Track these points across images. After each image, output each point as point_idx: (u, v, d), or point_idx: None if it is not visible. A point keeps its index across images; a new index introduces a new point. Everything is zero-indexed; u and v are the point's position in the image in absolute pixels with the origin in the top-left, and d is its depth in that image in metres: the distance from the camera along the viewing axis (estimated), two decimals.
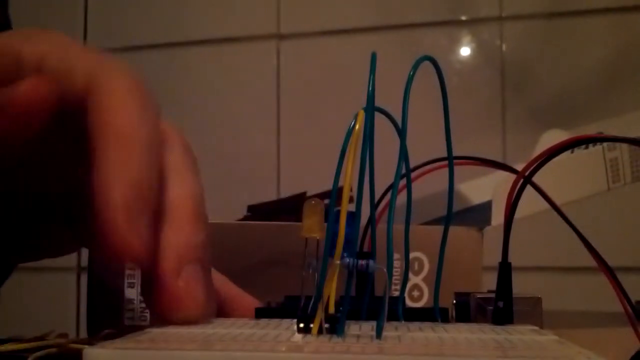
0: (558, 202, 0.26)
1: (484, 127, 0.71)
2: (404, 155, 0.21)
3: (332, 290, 0.20)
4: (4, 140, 0.20)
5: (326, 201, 0.20)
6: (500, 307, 0.23)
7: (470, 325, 0.23)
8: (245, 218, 0.48)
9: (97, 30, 0.84)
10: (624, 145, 0.38)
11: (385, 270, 0.19)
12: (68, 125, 0.21)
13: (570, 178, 0.39)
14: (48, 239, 0.26)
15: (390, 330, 0.20)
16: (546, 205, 0.25)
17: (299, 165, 0.77)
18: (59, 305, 0.78)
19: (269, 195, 0.72)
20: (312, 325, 0.19)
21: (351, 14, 0.75)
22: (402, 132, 0.21)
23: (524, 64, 0.71)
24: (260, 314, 0.24)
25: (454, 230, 0.27)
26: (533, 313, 0.24)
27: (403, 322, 0.23)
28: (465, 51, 0.73)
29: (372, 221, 0.23)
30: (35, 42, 0.21)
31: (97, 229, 0.18)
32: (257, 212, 0.48)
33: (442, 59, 0.62)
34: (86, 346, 0.18)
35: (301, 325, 0.19)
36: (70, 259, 0.63)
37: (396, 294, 0.24)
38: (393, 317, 0.23)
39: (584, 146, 0.39)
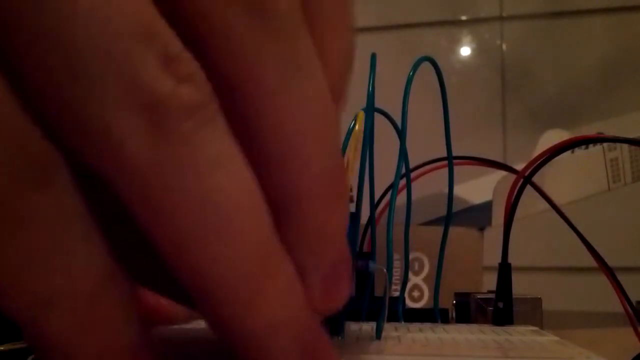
0: (558, 202, 0.26)
1: (484, 127, 0.71)
2: (403, 155, 0.21)
3: None
4: None
5: None
6: (500, 308, 0.23)
7: (470, 326, 0.23)
8: None
9: None
10: (624, 146, 0.38)
11: (385, 270, 0.19)
12: None
13: (571, 178, 0.39)
14: None
15: (390, 330, 0.20)
16: (546, 205, 0.25)
17: None
18: None
19: None
20: None
21: None
22: (401, 133, 0.21)
23: (524, 64, 0.71)
24: None
25: (454, 230, 0.27)
26: (533, 313, 0.24)
27: (403, 322, 0.23)
28: (465, 51, 0.73)
29: (372, 221, 0.23)
30: None
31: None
32: None
33: (442, 59, 0.62)
34: None
35: None
36: None
37: (396, 294, 0.24)
38: (393, 317, 0.23)
39: (584, 146, 0.39)
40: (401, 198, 0.24)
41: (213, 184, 0.12)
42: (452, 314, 0.26)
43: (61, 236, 0.11)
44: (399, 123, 0.22)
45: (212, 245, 0.12)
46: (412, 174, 0.27)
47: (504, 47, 0.72)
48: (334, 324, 0.19)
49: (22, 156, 0.11)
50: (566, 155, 0.36)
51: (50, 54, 0.11)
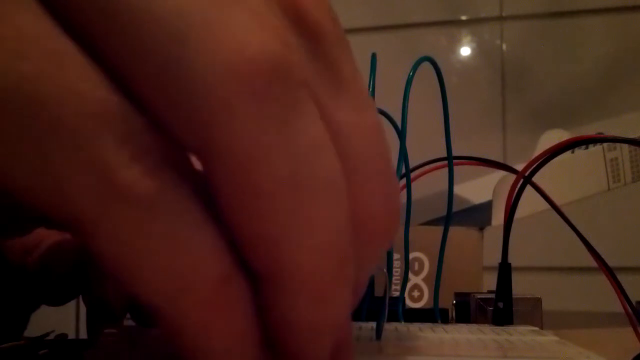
0: (558, 202, 0.26)
1: (484, 127, 0.71)
2: (403, 155, 0.21)
3: None
4: None
5: None
6: (500, 308, 0.23)
7: (470, 326, 0.23)
8: None
9: None
10: (624, 146, 0.38)
11: (385, 270, 0.19)
12: None
13: (571, 178, 0.39)
14: None
15: (390, 330, 0.20)
16: (546, 205, 0.25)
17: None
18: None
19: None
20: None
21: (351, 14, 0.75)
22: (401, 133, 0.21)
23: (524, 64, 0.71)
24: None
25: (453, 230, 0.27)
26: (533, 313, 0.24)
27: (403, 322, 0.23)
28: (465, 51, 0.73)
29: None
30: None
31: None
32: None
33: (442, 59, 0.63)
34: (86, 347, 0.18)
35: None
36: None
37: (396, 294, 0.24)
38: (393, 317, 0.23)
39: (584, 146, 0.39)
40: (401, 198, 0.24)
41: (312, 166, 0.11)
42: (452, 314, 0.26)
43: (190, 223, 0.11)
44: (399, 123, 0.22)
45: (303, 230, 0.11)
46: (412, 174, 0.27)
47: (504, 47, 0.72)
48: None
49: (132, 139, 0.11)
50: (566, 155, 0.36)
51: (139, 27, 0.10)
